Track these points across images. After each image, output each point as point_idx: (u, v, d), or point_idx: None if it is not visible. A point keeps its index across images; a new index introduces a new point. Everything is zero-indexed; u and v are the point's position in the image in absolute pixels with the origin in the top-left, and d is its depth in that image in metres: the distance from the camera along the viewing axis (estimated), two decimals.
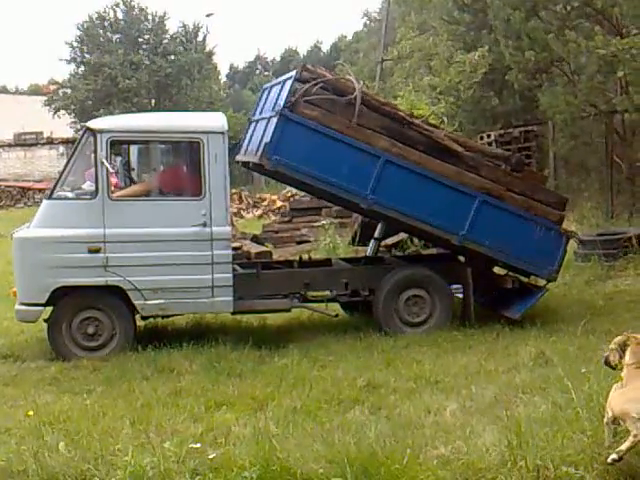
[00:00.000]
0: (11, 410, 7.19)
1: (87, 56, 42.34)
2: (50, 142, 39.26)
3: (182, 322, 10.50)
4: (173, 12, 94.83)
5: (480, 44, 20.23)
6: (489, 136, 20.01)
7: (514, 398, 6.80)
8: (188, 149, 9.65)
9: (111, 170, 9.07)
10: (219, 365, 8.33)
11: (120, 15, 43.14)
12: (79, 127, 41.68)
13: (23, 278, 9.14)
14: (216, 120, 9.68)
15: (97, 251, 8.94)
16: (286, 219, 21.08)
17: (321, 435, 5.84)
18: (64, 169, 9.52)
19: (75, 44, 42.62)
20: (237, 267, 10.05)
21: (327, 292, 10.19)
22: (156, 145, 10.00)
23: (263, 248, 15.38)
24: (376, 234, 11.63)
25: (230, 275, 9.33)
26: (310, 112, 9.44)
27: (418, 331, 9.81)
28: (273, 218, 24.95)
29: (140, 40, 43.32)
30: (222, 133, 9.31)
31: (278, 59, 69.68)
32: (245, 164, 10.88)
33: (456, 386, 7.46)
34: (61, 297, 9.03)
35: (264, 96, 10.92)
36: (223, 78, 61.03)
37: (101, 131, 9.10)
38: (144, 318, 9.69)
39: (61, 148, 38.59)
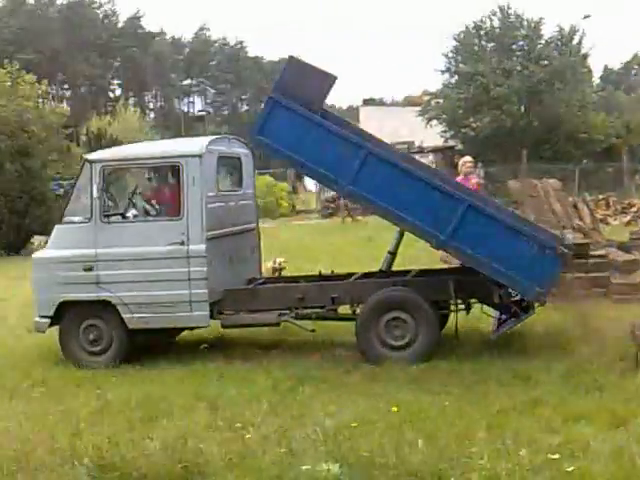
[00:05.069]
0: (373, 402, 7.56)
1: (461, 66, 43.28)
2: (420, 150, 40.71)
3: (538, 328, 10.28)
4: (549, 16, 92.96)
5: None
6: None
7: None
8: (169, 173, 10.24)
9: (99, 196, 9.75)
10: (577, 377, 8.05)
11: (496, 23, 43.47)
12: (448, 136, 42.94)
13: (37, 293, 10.10)
14: (194, 145, 10.17)
15: (90, 269, 9.76)
16: None
17: None
18: (69, 197, 10.36)
19: (450, 54, 43.79)
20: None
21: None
22: (144, 171, 10.72)
23: (630, 256, 14.55)
24: (390, 248, 10.52)
25: (205, 291, 9.60)
26: None
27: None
28: None
29: (514, 47, 43.33)
30: (199, 156, 9.72)
31: None
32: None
33: None
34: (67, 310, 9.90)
35: None
36: (596, 80, 59.07)
37: (93, 162, 9.91)
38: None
39: (430, 156, 39.77)
